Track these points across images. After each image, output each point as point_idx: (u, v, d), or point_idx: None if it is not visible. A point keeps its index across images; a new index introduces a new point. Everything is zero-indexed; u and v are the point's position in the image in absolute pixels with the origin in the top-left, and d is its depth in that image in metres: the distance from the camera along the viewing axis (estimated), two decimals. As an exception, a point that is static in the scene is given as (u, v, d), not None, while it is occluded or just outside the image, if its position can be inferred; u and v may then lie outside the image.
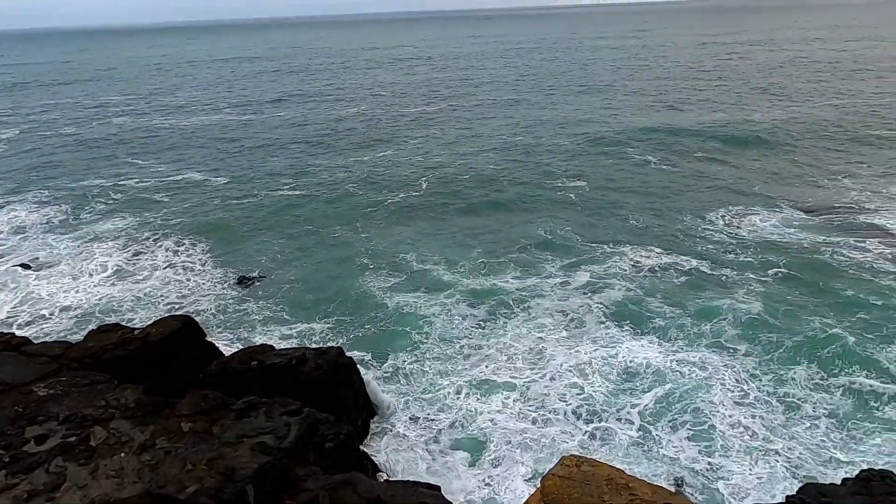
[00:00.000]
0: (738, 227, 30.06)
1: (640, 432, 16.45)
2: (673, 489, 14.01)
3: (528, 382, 18.70)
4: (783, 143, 45.52)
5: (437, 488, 12.77)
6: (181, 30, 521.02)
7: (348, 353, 17.60)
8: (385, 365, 20.00)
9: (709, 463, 15.34)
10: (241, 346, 19.88)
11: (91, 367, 14.10)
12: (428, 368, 19.72)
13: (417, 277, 25.97)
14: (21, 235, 33.05)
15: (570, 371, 19.05)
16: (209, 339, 17.73)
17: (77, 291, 26.06)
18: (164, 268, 28.25)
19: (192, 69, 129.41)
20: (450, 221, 32.97)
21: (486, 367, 19.62)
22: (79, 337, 17.45)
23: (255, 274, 27.19)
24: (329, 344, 20.71)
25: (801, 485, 12.17)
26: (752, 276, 24.73)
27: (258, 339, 21.26)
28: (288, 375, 15.45)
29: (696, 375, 18.47)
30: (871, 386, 17.64)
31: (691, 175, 39.32)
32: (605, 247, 28.20)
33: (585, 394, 17.99)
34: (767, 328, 20.78)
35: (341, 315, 23.26)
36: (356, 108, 69.98)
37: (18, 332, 18.49)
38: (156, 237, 31.67)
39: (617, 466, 11.00)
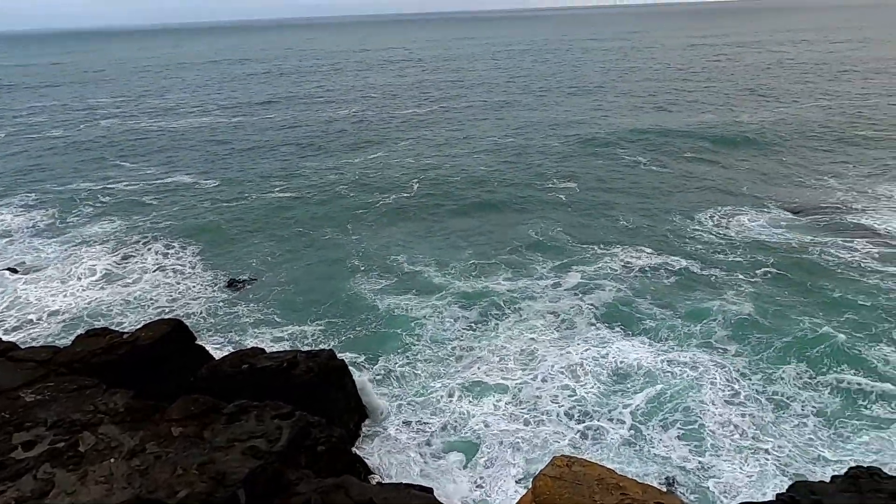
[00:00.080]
0: (726, 228, 30.29)
1: (632, 432, 16.53)
2: (664, 488, 14.08)
3: (520, 384, 18.73)
4: (771, 144, 45.94)
5: (430, 490, 12.77)
6: (169, 32, 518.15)
7: (340, 356, 17.55)
8: (377, 367, 19.96)
9: (699, 462, 15.44)
10: (231, 350, 19.81)
11: (79, 372, 13.97)
12: (420, 371, 19.71)
13: (409, 279, 25.96)
14: (7, 239, 32.69)
15: (562, 372, 19.10)
16: (199, 343, 17.62)
17: (65, 295, 25.81)
18: (154, 271, 28.05)
19: (181, 71, 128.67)
20: (441, 223, 32.98)
21: (478, 368, 19.64)
22: (67, 342, 17.29)
23: (245, 276, 27.06)
24: (320, 346, 20.65)
25: (790, 483, 12.27)
26: (741, 276, 24.93)
27: (249, 342, 21.14)
28: (279, 378, 15.38)
29: (687, 375, 18.58)
30: (858, 384, 17.82)
31: (681, 175, 39.59)
32: (596, 247, 28.32)
33: (577, 395, 18.05)
34: (757, 328, 20.95)
35: (333, 317, 23.20)
36: (347, 110, 69.87)
37: (5, 338, 18.25)
38: (145, 240, 31.43)
39: (608, 466, 11.04)
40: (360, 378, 18.05)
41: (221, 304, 24.69)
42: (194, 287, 26.29)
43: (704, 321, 21.51)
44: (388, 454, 16.12)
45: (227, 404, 12.46)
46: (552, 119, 59.46)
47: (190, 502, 9.68)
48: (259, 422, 11.89)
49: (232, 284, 26.30)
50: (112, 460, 10.70)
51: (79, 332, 17.69)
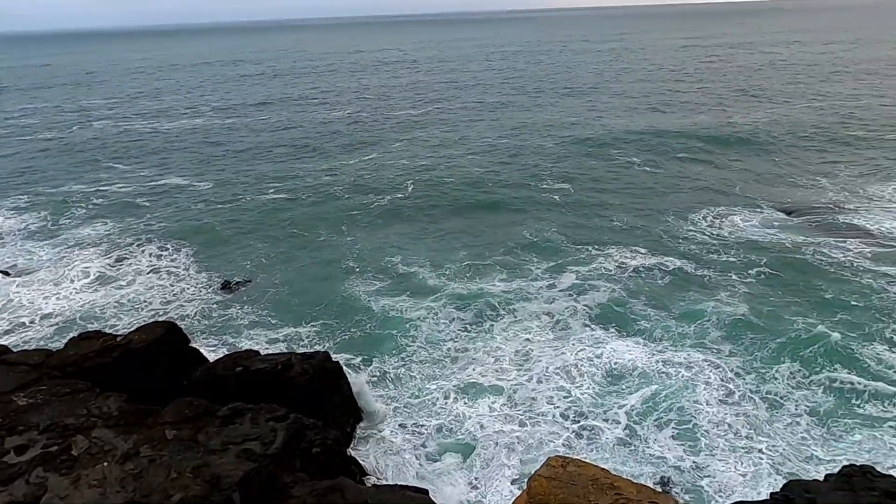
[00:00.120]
0: (720, 228, 30.42)
1: (627, 432, 16.57)
2: (659, 488, 14.12)
3: (516, 385, 18.74)
4: (764, 145, 46.20)
5: (425, 492, 12.76)
6: (170, 33, 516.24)
7: (335, 358, 17.51)
8: (372, 368, 19.95)
9: (694, 461, 15.49)
10: (226, 352, 19.74)
11: (72, 376, 13.89)
12: (415, 372, 19.70)
13: (403, 280, 25.94)
14: (-1, 242, 32.49)
15: (557, 373, 19.13)
16: (193, 345, 17.54)
17: (58, 298, 25.66)
18: (148, 273, 27.92)
19: (175, 73, 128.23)
20: (436, 224, 32.98)
21: (474, 369, 19.64)
22: (60, 345, 17.19)
23: (240, 278, 26.97)
24: (315, 348, 20.61)
25: (784, 482, 12.33)
26: (734, 276, 25.03)
27: (244, 345, 21.08)
28: (274, 381, 15.34)
29: (682, 375, 18.64)
30: (851, 383, 17.94)
31: (674, 176, 39.75)
32: (591, 248, 28.38)
33: (572, 396, 18.08)
34: (750, 328, 21.05)
35: (327, 319, 23.15)
36: (342, 112, 69.79)
37: (-3, 341, 18.16)
38: (139, 242, 31.29)
39: (603, 466, 11.07)
40: (359, 381, 18.02)
41: (216, 306, 24.60)
42: (188, 289, 26.19)
43: (698, 321, 21.59)
44: (383, 456, 16.11)
45: (222, 407, 12.42)
46: (546, 120, 59.59)
47: (184, 506, 9.63)
48: (254, 424, 11.85)
49: (226, 286, 26.21)
50: (105, 464, 10.64)
51: (71, 334, 17.57)
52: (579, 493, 9.57)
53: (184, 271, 28.01)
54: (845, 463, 11.98)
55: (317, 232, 32.33)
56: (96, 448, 11.07)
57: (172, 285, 26.62)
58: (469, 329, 22.06)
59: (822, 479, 11.27)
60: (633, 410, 17.30)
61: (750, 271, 25.33)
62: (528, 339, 21.21)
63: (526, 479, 12.35)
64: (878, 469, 11.14)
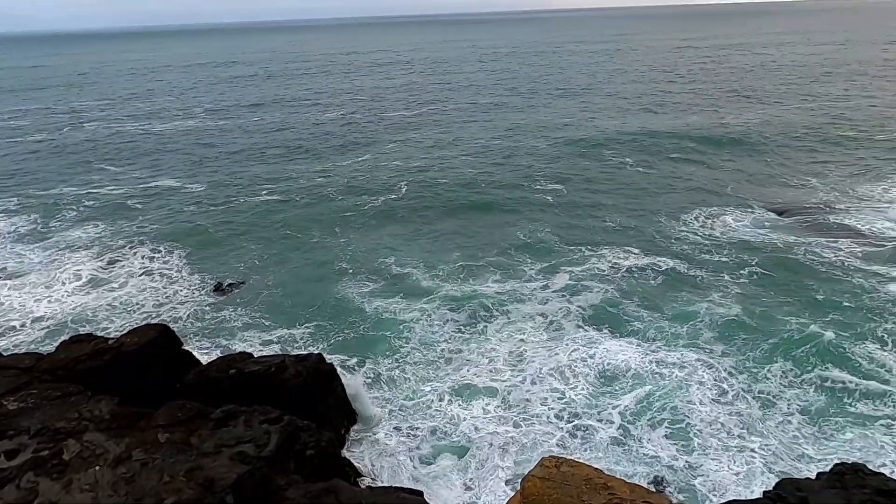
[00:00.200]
0: (712, 228, 30.58)
1: (620, 432, 16.62)
2: (653, 488, 14.16)
3: (510, 386, 18.76)
4: (755, 145, 46.48)
5: (420, 493, 12.74)
6: (164, 34, 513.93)
7: (329, 359, 17.47)
8: (366, 370, 19.90)
9: (687, 461, 15.55)
10: (219, 354, 19.64)
11: (63, 379, 13.79)
12: (409, 374, 19.67)
13: (397, 282, 25.92)
14: (-11, 245, 32.22)
15: (551, 374, 19.16)
16: (186, 348, 17.46)
17: (49, 301, 25.48)
18: (140, 275, 27.77)
19: (167, 74, 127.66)
20: (429, 225, 32.98)
21: (468, 371, 19.64)
22: (51, 348, 17.06)
23: (233, 280, 26.86)
24: (309, 350, 20.54)
25: (777, 480, 12.39)
26: (727, 276, 25.16)
27: (237, 347, 21.00)
28: (267, 383, 15.29)
29: (675, 375, 18.72)
30: (843, 382, 18.06)
31: (667, 176, 39.93)
32: (584, 249, 28.46)
33: (566, 397, 18.11)
34: (743, 328, 21.16)
35: (321, 321, 23.10)
36: (335, 113, 69.68)
37: (-12, 344, 18.02)
38: (131, 244, 31.11)
39: (596, 466, 11.09)
40: (355, 383, 17.98)
41: (208, 308, 24.50)
42: (181, 291, 26.06)
43: (691, 321, 21.69)
44: (378, 458, 16.08)
45: (215, 410, 12.36)
46: (540, 121, 59.72)
47: (177, 509, 9.58)
48: (247, 427, 11.80)
49: (219, 288, 26.11)
50: (97, 468, 10.57)
51: (63, 338, 17.48)
52: (573, 493, 9.58)
53: (176, 273, 27.87)
54: (837, 461, 12.05)
55: (310, 233, 32.26)
56: (88, 452, 11.00)
57: (165, 287, 26.49)
58: (463, 330, 22.06)
59: (814, 477, 11.34)
60: (626, 410, 17.35)
61: (742, 271, 25.48)
62: (521, 340, 21.24)
63: (520, 480, 12.36)
64: (870, 467, 11.22)
